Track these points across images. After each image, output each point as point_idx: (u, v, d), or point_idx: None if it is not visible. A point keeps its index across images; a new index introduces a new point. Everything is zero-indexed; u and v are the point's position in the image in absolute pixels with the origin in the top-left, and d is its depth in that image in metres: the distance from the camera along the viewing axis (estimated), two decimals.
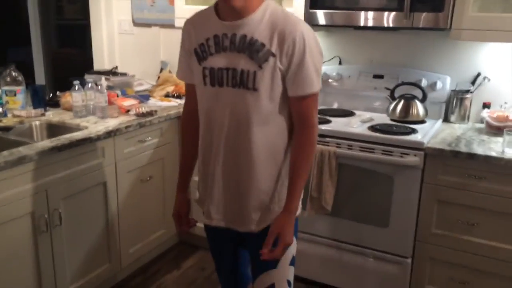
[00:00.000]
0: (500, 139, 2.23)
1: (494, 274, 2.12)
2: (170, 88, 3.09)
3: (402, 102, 2.48)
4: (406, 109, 2.46)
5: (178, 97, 3.03)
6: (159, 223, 2.75)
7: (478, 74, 2.50)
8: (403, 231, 2.26)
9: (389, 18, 2.30)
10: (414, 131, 2.29)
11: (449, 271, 2.22)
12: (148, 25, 3.48)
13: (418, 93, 2.50)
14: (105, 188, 2.32)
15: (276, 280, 1.53)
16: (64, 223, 2.09)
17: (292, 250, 1.54)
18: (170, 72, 3.27)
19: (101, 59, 3.67)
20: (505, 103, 2.44)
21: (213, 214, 1.54)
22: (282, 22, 1.37)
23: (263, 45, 1.36)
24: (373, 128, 2.34)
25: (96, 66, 3.64)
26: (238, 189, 1.48)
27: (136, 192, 2.53)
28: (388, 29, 2.42)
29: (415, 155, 2.14)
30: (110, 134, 2.28)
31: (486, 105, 2.50)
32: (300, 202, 1.54)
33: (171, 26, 3.31)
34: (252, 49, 1.37)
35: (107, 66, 3.54)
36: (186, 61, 1.53)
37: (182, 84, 3.09)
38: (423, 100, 2.48)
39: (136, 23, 3.52)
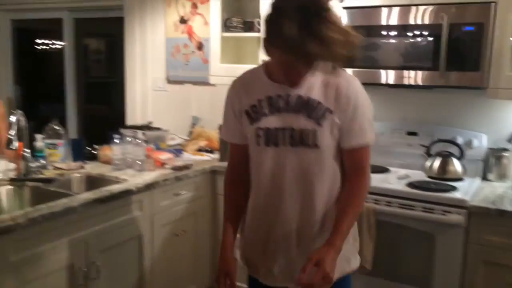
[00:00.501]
0: None
1: None
2: (203, 143, 3.13)
3: (439, 159, 2.47)
4: (444, 166, 2.45)
5: (211, 151, 3.07)
6: (190, 278, 2.70)
7: None
8: None
9: (424, 77, 2.35)
10: (454, 188, 2.27)
11: None
12: (181, 82, 3.59)
13: (454, 150, 2.49)
14: (140, 242, 2.31)
15: None
16: (101, 277, 2.06)
17: None
18: (202, 127, 3.34)
19: (134, 114, 3.77)
20: None
21: (276, 274, 1.51)
22: (334, 80, 1.41)
23: (319, 103, 1.40)
24: (411, 184, 2.32)
25: (129, 121, 3.73)
26: (302, 251, 1.46)
27: (169, 246, 2.50)
28: (422, 87, 2.46)
29: (458, 213, 2.10)
30: (149, 187, 2.30)
31: None
32: (358, 257, 1.51)
33: (204, 83, 3.42)
34: (308, 108, 1.40)
35: (139, 121, 3.62)
36: (234, 121, 1.54)
37: (214, 139, 3.15)
38: (460, 158, 2.46)
39: (170, 81, 3.64)
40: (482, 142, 2.54)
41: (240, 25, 3.06)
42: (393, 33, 2.40)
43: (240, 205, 1.61)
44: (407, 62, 2.39)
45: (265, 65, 1.50)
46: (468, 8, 2.23)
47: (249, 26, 3.04)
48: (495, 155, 2.51)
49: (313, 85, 1.41)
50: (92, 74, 4.85)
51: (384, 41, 2.43)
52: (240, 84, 1.55)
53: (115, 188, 2.17)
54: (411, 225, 2.22)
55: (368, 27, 2.45)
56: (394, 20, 2.39)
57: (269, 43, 1.33)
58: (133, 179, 2.34)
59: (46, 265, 1.83)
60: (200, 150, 3.09)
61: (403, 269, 2.26)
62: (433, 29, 2.28)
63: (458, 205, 2.11)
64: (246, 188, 1.58)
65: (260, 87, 1.47)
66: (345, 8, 2.52)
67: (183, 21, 3.49)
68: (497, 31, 2.20)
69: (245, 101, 1.49)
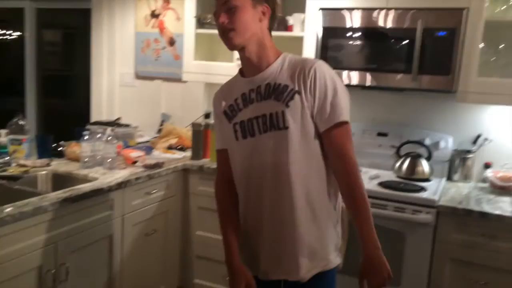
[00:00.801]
0: (505, 198, 2.30)
1: None
2: (173, 141, 3.09)
3: (408, 160, 2.54)
4: (412, 166, 2.52)
5: (182, 149, 3.03)
6: (159, 278, 2.66)
7: (479, 135, 2.60)
8: None
9: (397, 80, 2.40)
10: (423, 188, 2.33)
11: None
12: (150, 78, 3.52)
13: (422, 151, 2.56)
14: (110, 242, 2.25)
15: None
16: (70, 279, 1.99)
17: None
18: (172, 124, 3.29)
19: (99, 110, 3.67)
20: (506, 164, 2.51)
21: (268, 269, 1.51)
22: (301, 63, 1.43)
23: (286, 86, 1.42)
24: (382, 184, 2.37)
25: (94, 117, 3.62)
26: (284, 235, 1.46)
27: (140, 246, 2.45)
28: (394, 89, 2.51)
29: (427, 213, 2.17)
30: (120, 185, 2.24)
31: (487, 165, 2.58)
32: (339, 256, 1.53)
33: (175, 79, 3.38)
34: (277, 92, 1.42)
35: (105, 118, 3.53)
36: (220, 128, 1.57)
37: (185, 136, 3.11)
38: (428, 159, 2.54)
39: (139, 76, 3.56)
40: (448, 143, 2.63)
41: (214, 22, 3.02)
42: (367, 35, 2.44)
43: (236, 216, 1.58)
44: (381, 64, 2.44)
45: (240, 68, 1.55)
46: (441, 14, 2.30)
47: None
48: (460, 156, 2.60)
49: (280, 71, 1.44)
50: (50, 67, 4.66)
51: (359, 43, 2.47)
52: (221, 91, 1.60)
53: (86, 186, 2.10)
54: (382, 224, 2.23)
55: (343, 29, 2.49)
56: (369, 23, 2.42)
57: None
58: (103, 177, 2.27)
59: (13, 268, 1.75)
60: (170, 148, 3.04)
61: None
62: (408, 33, 2.33)
63: (428, 205, 2.18)
64: (237, 197, 1.57)
65: (237, 88, 1.52)
66: (321, 9, 2.55)
67: (154, 15, 3.42)
68: (468, 37, 2.27)
69: (223, 104, 1.54)
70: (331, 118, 1.41)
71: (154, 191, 2.51)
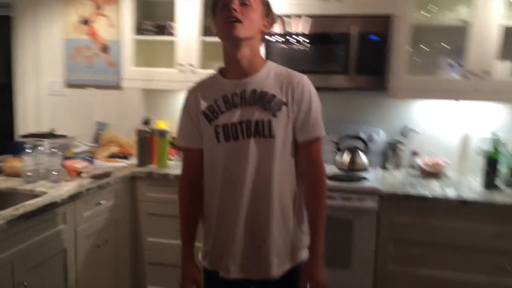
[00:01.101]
0: (435, 182, 2.57)
1: None
2: (114, 149, 3.02)
3: (348, 153, 2.74)
4: (352, 159, 2.72)
5: (124, 157, 2.98)
6: None
7: (406, 127, 2.87)
8: (363, 271, 2.43)
9: (336, 80, 2.58)
10: (365, 178, 2.54)
11: None
12: (82, 86, 3.41)
13: (359, 144, 2.78)
14: (65, 256, 2.17)
15: None
16: None
17: None
18: (109, 133, 3.22)
19: (25, 121, 3.49)
20: (431, 151, 2.81)
21: (231, 268, 1.55)
22: (287, 75, 1.52)
23: (273, 96, 1.49)
24: (328, 177, 2.52)
25: (20, 129, 3.43)
26: (258, 237, 1.53)
27: (92, 258, 2.38)
28: (334, 89, 2.69)
29: (372, 200, 2.37)
30: (73, 198, 2.17)
31: (415, 154, 2.86)
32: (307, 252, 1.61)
33: (110, 87, 3.31)
34: (263, 100, 1.48)
35: (32, 129, 3.36)
36: (190, 127, 1.59)
37: (126, 144, 3.07)
38: (365, 151, 2.76)
39: (69, 85, 3.43)
40: (380, 136, 2.87)
41: (153, 28, 3.02)
42: (308, 40, 2.59)
43: (198, 214, 1.65)
44: (322, 67, 2.61)
45: (220, 69, 1.58)
46: (373, 20, 2.52)
47: (161, 29, 3.02)
48: (391, 147, 2.86)
49: (266, 79, 1.51)
50: None
51: (301, 47, 2.61)
52: (197, 89, 1.60)
53: (39, 201, 2.01)
54: (331, 214, 2.38)
55: (285, 34, 2.61)
56: (310, 29, 2.58)
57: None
58: (52, 191, 2.19)
59: None
60: (112, 156, 2.98)
61: (325, 254, 2.45)
62: (344, 38, 2.52)
63: (372, 192, 2.38)
64: (201, 197, 1.63)
65: (216, 88, 1.53)
66: None
67: (84, 21, 3.32)
68: (396, 40, 2.51)
69: (202, 104, 1.54)
70: (313, 132, 1.51)
71: (103, 201, 2.45)
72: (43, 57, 3.42)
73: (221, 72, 1.57)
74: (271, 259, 1.55)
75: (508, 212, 2.25)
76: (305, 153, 1.54)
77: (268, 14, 1.51)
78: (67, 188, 2.25)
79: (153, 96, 3.31)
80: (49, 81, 3.45)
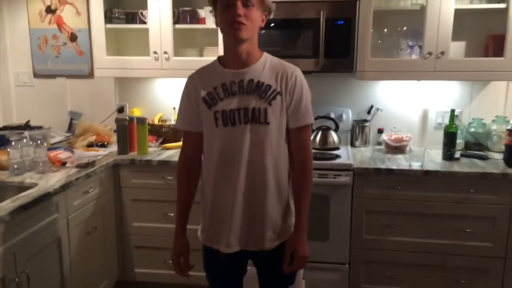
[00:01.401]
0: (400, 156, 2.81)
1: (416, 264, 2.63)
2: (92, 138, 3.06)
3: (320, 132, 2.92)
4: (324, 138, 2.91)
5: (103, 145, 3.03)
6: (102, 274, 2.70)
7: (372, 106, 3.09)
8: (340, 242, 2.65)
9: (306, 64, 2.73)
10: (338, 156, 2.73)
11: (380, 268, 2.67)
12: (52, 76, 3.39)
13: (330, 124, 2.97)
14: (59, 244, 2.24)
15: None
16: (31, 285, 1.98)
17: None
18: (85, 122, 3.25)
19: None
20: (394, 127, 3.04)
21: (232, 242, 1.69)
22: (282, 67, 1.66)
23: (269, 86, 1.62)
24: None
25: None
26: (255, 214, 1.67)
27: (83, 245, 2.46)
28: (305, 72, 2.83)
29: (346, 175, 2.56)
30: (64, 187, 2.23)
31: (380, 131, 3.09)
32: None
33: (81, 76, 3.32)
34: (260, 90, 1.61)
35: (2, 122, 3.33)
36: (189, 112, 1.69)
37: (103, 132, 3.11)
38: (336, 130, 2.95)
39: (37, 75, 3.40)
40: (349, 116, 3.07)
41: (122, 16, 3.04)
42: (279, 26, 2.72)
43: (193, 192, 1.77)
44: (292, 51, 2.74)
45: (219, 58, 1.69)
46: (339, 5, 2.67)
47: (131, 17, 3.05)
48: (359, 125, 3.07)
49: (262, 70, 1.63)
50: None
51: (272, 33, 2.73)
52: (197, 76, 1.70)
53: (34, 192, 2.06)
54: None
55: None
56: (280, 15, 2.69)
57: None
58: (42, 182, 2.24)
59: None
60: (90, 145, 3.02)
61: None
62: (313, 23, 2.67)
63: (345, 168, 2.58)
64: (198, 177, 1.75)
65: (215, 76, 1.65)
66: None
67: (50, 10, 3.29)
68: (361, 24, 2.69)
69: (201, 90, 1.65)
70: (304, 119, 1.65)
71: (90, 189, 2.52)
72: (9, 48, 3.37)
73: (220, 61, 1.67)
74: (266, 233, 1.70)
75: (465, 180, 2.51)
76: (295, 138, 1.68)
77: (265, 6, 1.62)
78: (56, 178, 2.30)
79: (126, 84, 3.35)
80: (16, 72, 3.41)
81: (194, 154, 1.73)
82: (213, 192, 1.71)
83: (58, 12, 3.28)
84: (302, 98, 1.65)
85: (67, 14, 3.28)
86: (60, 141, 3.08)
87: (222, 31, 1.62)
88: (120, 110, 3.34)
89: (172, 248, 1.80)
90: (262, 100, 1.61)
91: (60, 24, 3.30)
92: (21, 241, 1.94)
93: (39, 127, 3.00)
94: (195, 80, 1.69)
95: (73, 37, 3.30)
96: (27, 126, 2.98)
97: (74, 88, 3.39)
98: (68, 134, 3.24)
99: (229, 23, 1.54)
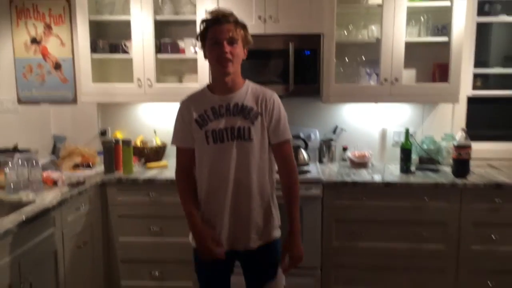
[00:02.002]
0: (363, 170, 3.14)
1: (381, 266, 2.93)
2: (77, 159, 3.23)
3: None
4: (296, 156, 3.16)
5: (88, 166, 3.21)
6: (91, 286, 2.85)
7: (336, 127, 3.43)
8: (312, 248, 2.91)
9: (277, 89, 3.01)
10: (308, 171, 3.03)
11: (349, 272, 2.95)
12: (36, 102, 3.56)
13: (300, 143, 3.27)
14: (55, 257, 2.41)
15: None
16: None
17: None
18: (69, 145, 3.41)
19: None
20: (357, 146, 3.38)
21: (222, 243, 1.93)
22: (262, 92, 1.95)
23: (251, 108, 1.91)
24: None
25: None
26: (241, 218, 1.93)
27: (75, 258, 2.62)
28: None
29: (316, 188, 2.86)
30: (60, 204, 2.41)
31: (345, 148, 3.42)
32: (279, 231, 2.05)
33: (64, 102, 3.51)
34: (244, 112, 1.90)
35: None
36: (184, 130, 1.95)
37: (89, 155, 3.29)
38: (305, 148, 3.26)
39: (22, 101, 3.56)
40: (316, 135, 3.40)
41: (106, 47, 3.28)
42: (253, 56, 2.99)
43: (195, 194, 2.00)
44: (265, 78, 3.04)
45: (208, 85, 1.98)
46: (306, 38, 3.02)
47: (115, 48, 3.29)
48: (325, 144, 3.39)
49: (245, 95, 1.92)
50: None
51: (248, 61, 3.01)
52: (189, 101, 1.97)
53: (35, 208, 2.24)
54: (283, 203, 2.88)
55: None
56: (255, 46, 2.99)
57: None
58: (39, 199, 2.41)
59: None
60: (77, 166, 3.19)
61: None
62: (283, 53, 3.00)
63: (316, 182, 2.87)
64: (194, 180, 1.99)
65: (205, 101, 1.92)
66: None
67: (35, 41, 3.48)
68: (325, 55, 3.04)
69: (194, 112, 1.91)
70: (283, 135, 1.95)
71: (82, 206, 2.70)
72: None
73: (209, 88, 1.96)
74: (251, 236, 1.96)
75: (420, 190, 2.85)
76: (279, 152, 1.98)
77: (247, 41, 1.92)
78: (51, 195, 2.48)
79: (108, 109, 3.56)
80: (0, 99, 3.55)
81: (188, 165, 1.99)
82: (204, 200, 1.96)
83: (43, 43, 3.49)
84: (280, 118, 1.95)
85: (51, 45, 3.48)
86: (47, 163, 3.23)
87: (210, 64, 1.92)
88: (103, 133, 3.54)
89: (197, 242, 1.94)
90: (246, 120, 1.89)
91: (45, 54, 3.50)
92: (25, 252, 2.11)
93: (27, 150, 3.15)
94: (188, 104, 1.96)
95: (57, 66, 3.50)
96: (15, 150, 3.12)
97: (58, 113, 3.57)
98: (52, 157, 3.39)
99: (217, 59, 1.84)
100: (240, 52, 1.88)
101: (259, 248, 1.99)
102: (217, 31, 1.83)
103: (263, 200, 1.97)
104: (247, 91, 1.94)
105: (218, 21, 1.84)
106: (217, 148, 1.90)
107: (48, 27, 3.47)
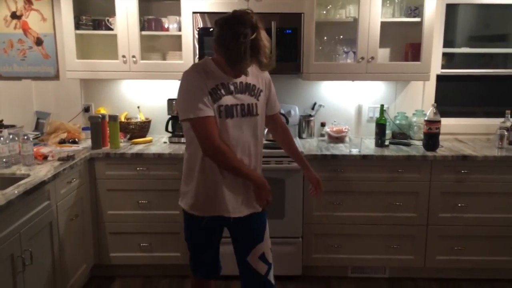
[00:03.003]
0: (341, 145, 3.32)
1: (357, 234, 3.14)
2: (63, 135, 3.28)
3: None
4: None
5: (74, 142, 3.26)
6: (82, 258, 2.96)
7: (315, 103, 3.59)
8: (294, 219, 3.10)
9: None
10: None
11: (328, 239, 3.16)
12: (17, 78, 3.55)
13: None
14: (51, 228, 2.49)
15: (264, 249, 2.16)
16: (33, 262, 2.23)
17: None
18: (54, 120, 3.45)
19: None
20: (334, 121, 3.56)
21: (236, 209, 2.08)
22: (257, 70, 2.06)
23: (254, 85, 2.05)
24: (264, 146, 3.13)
25: None
26: (243, 188, 2.09)
27: (68, 230, 2.71)
28: None
29: None
30: (54, 177, 2.48)
31: (323, 124, 3.59)
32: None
33: (47, 78, 3.52)
34: (249, 89, 2.04)
35: None
36: (204, 99, 1.93)
37: (74, 130, 3.34)
38: (286, 124, 3.39)
39: (2, 77, 3.55)
40: (296, 111, 3.55)
41: (90, 23, 3.30)
42: None
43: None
44: None
45: (213, 60, 2.00)
46: (287, 16, 3.13)
47: (98, 24, 3.31)
48: (305, 120, 3.55)
49: (249, 75, 2.03)
50: None
51: None
52: (201, 71, 1.97)
53: (31, 181, 2.31)
54: (268, 175, 2.99)
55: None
56: None
57: (219, 52, 1.92)
58: (33, 173, 2.47)
59: None
60: (63, 142, 3.23)
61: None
62: (265, 32, 3.09)
63: None
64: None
65: (216, 76, 1.98)
66: (194, 13, 3.13)
67: (15, 16, 3.46)
68: (305, 33, 3.17)
69: (208, 85, 1.96)
70: (277, 107, 2.27)
71: (73, 180, 2.77)
72: None
73: (215, 61, 1.99)
74: (251, 201, 2.13)
75: (394, 162, 3.06)
76: (276, 121, 2.30)
77: None
78: (45, 169, 2.54)
79: (91, 85, 3.59)
80: None
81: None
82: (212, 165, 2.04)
83: (23, 18, 3.46)
84: (274, 93, 2.20)
85: (32, 20, 3.47)
86: (33, 139, 3.26)
87: (225, 60, 1.90)
88: (87, 109, 3.58)
89: (262, 183, 2.10)
90: (252, 97, 2.05)
91: (25, 29, 3.48)
92: (24, 223, 2.19)
93: (12, 126, 3.18)
94: (203, 75, 1.96)
95: (39, 42, 3.50)
96: (1, 125, 3.14)
97: (40, 89, 3.57)
98: (36, 133, 3.42)
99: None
100: None
101: (247, 215, 2.14)
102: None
103: (261, 166, 2.21)
104: (251, 71, 2.04)
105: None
106: (229, 123, 1.99)
107: (28, 2, 3.44)
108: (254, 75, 2.07)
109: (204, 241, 2.20)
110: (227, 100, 1.99)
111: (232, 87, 2.01)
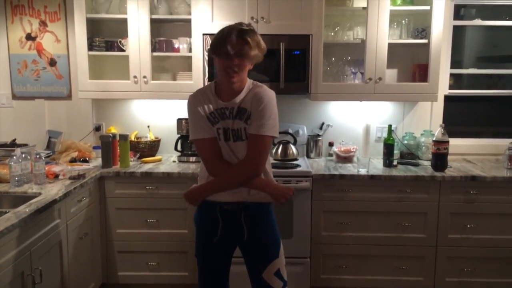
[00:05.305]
0: (349, 164, 3.33)
1: (365, 255, 3.13)
2: (74, 154, 3.33)
3: (281, 146, 3.38)
4: (285, 150, 3.37)
5: (85, 161, 3.31)
6: (90, 276, 2.96)
7: (323, 123, 3.61)
8: (302, 239, 3.09)
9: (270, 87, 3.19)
10: (298, 165, 3.20)
11: (336, 260, 3.14)
12: (31, 98, 3.63)
13: (289, 138, 3.44)
14: (60, 247, 2.52)
15: (280, 266, 2.19)
16: (43, 280, 2.24)
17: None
18: (66, 140, 3.50)
19: None
20: (342, 141, 3.57)
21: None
22: (259, 91, 2.07)
23: (245, 109, 2.05)
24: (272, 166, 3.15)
25: None
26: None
27: (77, 249, 2.73)
28: None
29: (306, 181, 3.03)
30: (65, 195, 2.52)
31: (331, 144, 3.61)
32: None
33: (58, 98, 3.60)
34: (241, 114, 2.06)
35: None
36: (203, 122, 2.05)
37: (85, 149, 3.39)
38: (294, 144, 3.43)
39: (16, 97, 3.63)
40: (304, 131, 3.57)
41: (102, 44, 3.38)
42: None
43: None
44: (257, 76, 3.17)
45: (214, 86, 2.09)
46: (296, 38, 3.19)
47: (110, 45, 3.39)
48: (313, 140, 3.57)
49: (245, 96, 2.06)
50: None
51: None
52: (201, 97, 2.08)
53: (43, 199, 2.34)
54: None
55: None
56: None
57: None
58: (45, 191, 2.51)
59: (6, 276, 1.98)
60: (73, 160, 3.28)
61: None
62: (275, 53, 3.15)
63: (306, 175, 3.05)
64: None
65: (213, 101, 2.07)
66: (205, 34, 3.19)
67: (30, 38, 3.55)
68: (313, 54, 3.21)
69: (206, 109, 2.05)
70: (256, 129, 2.04)
71: (83, 198, 2.81)
72: None
73: (216, 88, 2.08)
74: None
75: (402, 182, 3.05)
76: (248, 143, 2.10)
77: (254, 61, 2.05)
78: (56, 188, 2.58)
79: (102, 105, 3.65)
80: None
81: (219, 151, 2.09)
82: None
83: (38, 39, 3.55)
84: (264, 114, 2.03)
85: (47, 41, 3.56)
86: (44, 157, 3.31)
87: (218, 72, 2.04)
88: (98, 128, 3.64)
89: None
90: (242, 122, 2.05)
91: (40, 50, 3.57)
92: (35, 241, 2.22)
93: (25, 145, 3.24)
94: (201, 99, 2.07)
95: (52, 62, 3.58)
96: (14, 144, 3.20)
97: (52, 109, 3.64)
98: (48, 151, 3.48)
99: (224, 69, 1.98)
100: (247, 65, 2.02)
101: (258, 236, 2.15)
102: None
103: None
104: (248, 92, 2.07)
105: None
106: (226, 145, 2.08)
107: (43, 24, 3.53)
108: (251, 98, 2.05)
109: (213, 266, 2.22)
110: (223, 124, 2.07)
111: (227, 113, 2.06)
